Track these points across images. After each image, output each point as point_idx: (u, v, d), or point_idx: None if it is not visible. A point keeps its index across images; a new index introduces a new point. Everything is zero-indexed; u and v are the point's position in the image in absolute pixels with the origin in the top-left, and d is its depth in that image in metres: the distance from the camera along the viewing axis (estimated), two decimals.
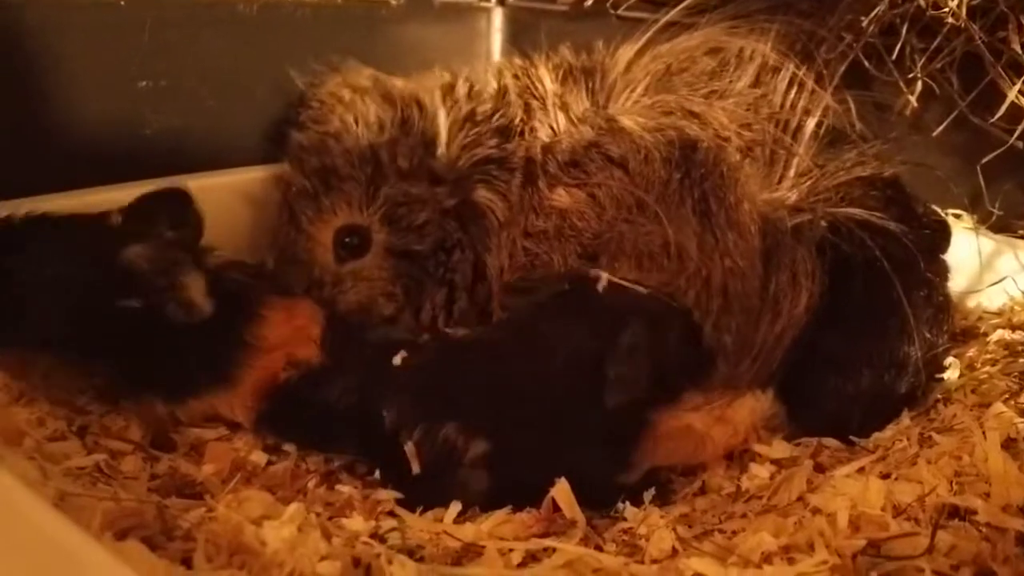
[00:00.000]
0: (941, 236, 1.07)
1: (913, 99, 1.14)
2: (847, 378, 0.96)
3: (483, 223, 0.99)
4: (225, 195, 1.09)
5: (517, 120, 1.01)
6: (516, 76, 1.06)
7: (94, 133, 1.06)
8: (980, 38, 1.01)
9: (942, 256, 1.06)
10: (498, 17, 1.53)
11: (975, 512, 0.69)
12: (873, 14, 1.06)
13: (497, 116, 1.01)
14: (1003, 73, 1.02)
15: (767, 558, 0.64)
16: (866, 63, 1.16)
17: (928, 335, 0.98)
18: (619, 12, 1.36)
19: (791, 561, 0.63)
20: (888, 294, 0.96)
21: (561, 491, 0.73)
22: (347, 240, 0.98)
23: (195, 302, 0.80)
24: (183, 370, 0.83)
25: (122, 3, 1.06)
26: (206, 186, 1.08)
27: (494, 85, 1.05)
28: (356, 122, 1.00)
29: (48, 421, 0.79)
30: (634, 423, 0.82)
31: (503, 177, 0.99)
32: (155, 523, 0.63)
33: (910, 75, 1.12)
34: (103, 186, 1.00)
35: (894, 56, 1.11)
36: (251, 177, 1.12)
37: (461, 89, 1.03)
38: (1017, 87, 1.01)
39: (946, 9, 0.99)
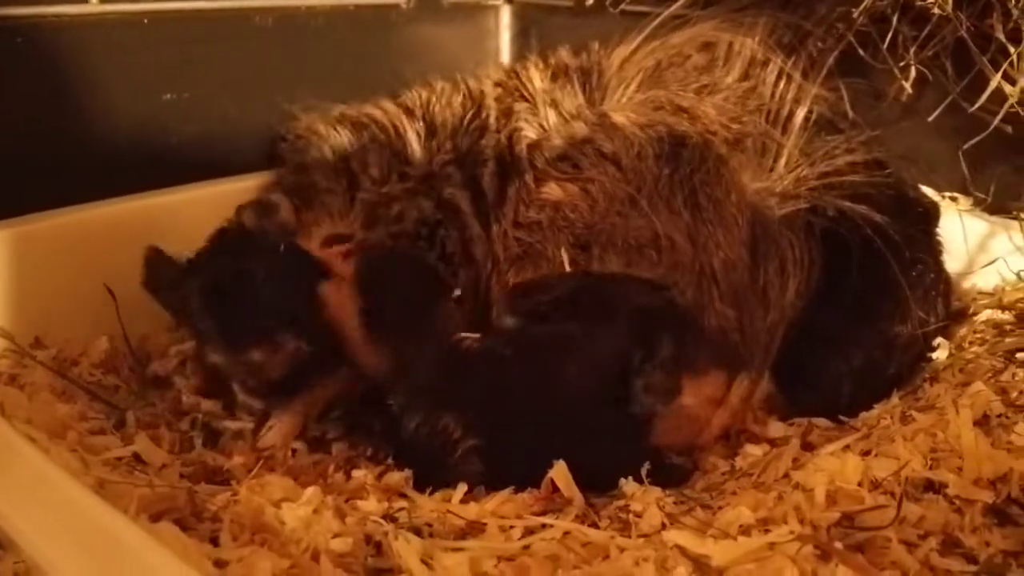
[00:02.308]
0: (931, 215, 1.10)
1: (908, 86, 1.17)
2: (839, 356, 1.00)
3: (457, 215, 1.04)
4: (248, 198, 1.16)
5: (492, 121, 1.07)
6: (498, 83, 1.11)
7: (124, 143, 1.14)
8: (966, 27, 1.03)
9: (932, 235, 1.09)
10: (506, 15, 1.58)
11: (947, 485, 0.73)
12: (863, 6, 1.09)
13: (468, 120, 1.07)
14: (986, 60, 1.04)
15: (745, 530, 0.69)
16: (861, 51, 1.19)
17: (920, 313, 1.01)
18: (620, 8, 1.40)
19: (767, 533, 0.67)
20: (877, 275, 1.00)
21: (559, 472, 0.79)
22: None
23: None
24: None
25: (146, 21, 1.13)
26: (229, 190, 1.15)
27: (467, 92, 1.10)
28: (332, 151, 1.06)
29: (89, 415, 0.87)
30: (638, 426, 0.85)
31: (467, 174, 1.04)
32: (186, 507, 0.69)
33: (902, 63, 1.14)
34: (136, 193, 1.08)
35: (886, 44, 1.14)
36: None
37: (435, 103, 1.09)
38: (999, 73, 1.04)
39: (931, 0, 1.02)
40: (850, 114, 1.08)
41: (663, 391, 0.82)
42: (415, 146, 1.06)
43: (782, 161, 1.02)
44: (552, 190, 1.01)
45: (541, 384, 0.84)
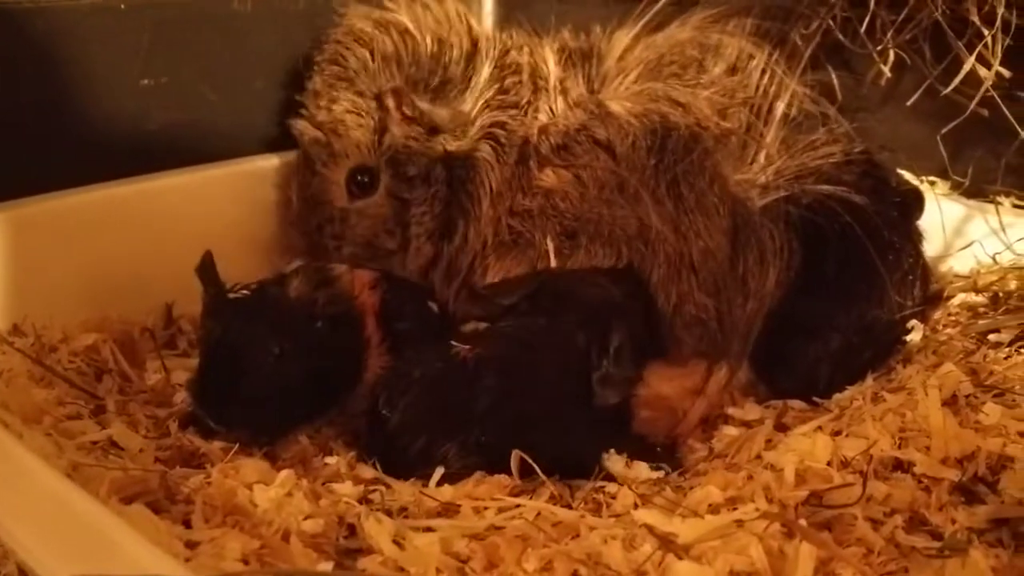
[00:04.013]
0: (913, 203, 1.11)
1: (886, 70, 1.17)
2: (817, 341, 1.01)
3: (474, 184, 1.03)
4: (228, 184, 1.16)
5: (524, 100, 1.05)
6: (530, 55, 1.09)
7: (102, 129, 1.12)
8: (942, 10, 1.04)
9: (913, 222, 1.10)
10: (489, 1, 1.57)
11: (914, 464, 0.74)
12: None
13: (514, 91, 1.05)
14: (962, 44, 1.05)
15: (714, 509, 0.70)
16: (840, 36, 1.19)
17: (896, 298, 1.02)
18: None
19: (735, 511, 0.68)
20: (855, 261, 1.00)
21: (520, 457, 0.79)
22: (359, 179, 1.03)
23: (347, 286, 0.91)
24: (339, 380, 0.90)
25: (122, 6, 1.12)
26: (209, 177, 1.15)
27: (518, 60, 1.08)
28: (373, 57, 1.03)
29: (66, 401, 0.87)
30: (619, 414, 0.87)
31: (507, 147, 1.03)
32: (159, 490, 0.70)
33: (880, 47, 1.15)
34: (113, 180, 1.08)
35: (864, 28, 1.14)
36: (252, 167, 1.18)
37: (507, 56, 1.08)
38: (973, 56, 1.04)
39: None
40: (831, 109, 1.09)
41: (619, 383, 0.83)
42: (480, 87, 1.04)
43: (763, 153, 1.03)
44: (547, 176, 1.02)
45: (528, 382, 0.84)
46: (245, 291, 0.92)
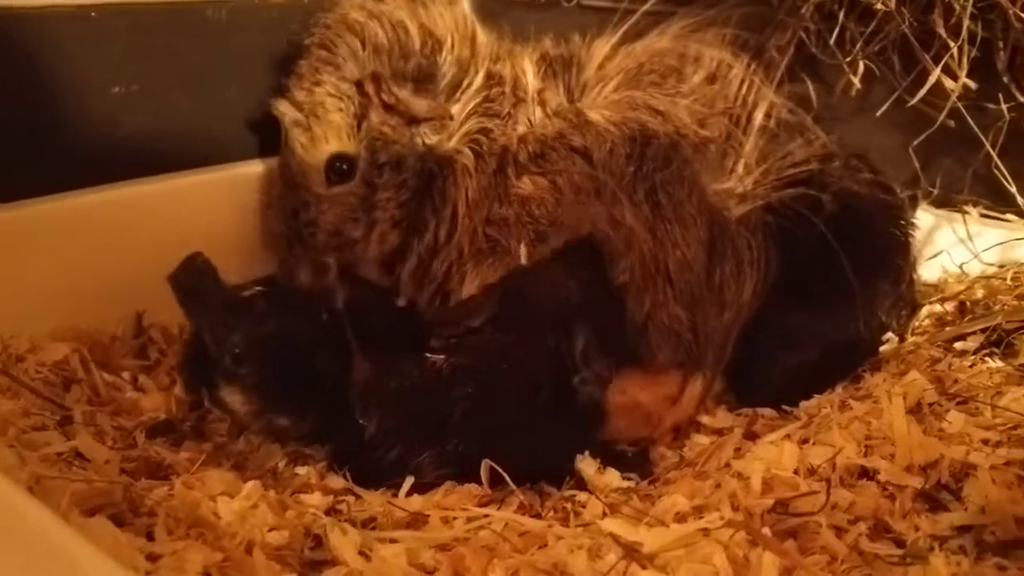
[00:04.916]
0: (893, 210, 1.10)
1: (856, 81, 1.18)
2: (794, 352, 1.01)
3: (449, 184, 1.03)
4: (199, 192, 1.15)
5: (506, 111, 1.05)
6: (511, 65, 1.08)
7: (71, 137, 1.11)
8: (908, 23, 1.05)
9: (907, 235, 1.09)
10: (465, 8, 1.58)
11: (879, 472, 0.75)
12: (810, 1, 1.10)
13: (498, 101, 1.05)
14: (929, 56, 1.06)
15: (680, 518, 0.70)
16: (812, 48, 1.20)
17: (882, 316, 1.02)
18: (582, 2, 1.40)
19: (701, 519, 0.68)
20: (831, 271, 1.00)
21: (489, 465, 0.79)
22: (338, 165, 1.03)
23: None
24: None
25: (93, 14, 1.11)
26: (181, 185, 1.15)
27: (501, 70, 1.07)
28: (363, 46, 1.03)
29: (32, 412, 0.86)
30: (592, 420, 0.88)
31: (487, 156, 1.03)
32: (123, 502, 0.69)
33: (848, 59, 1.16)
34: (84, 188, 1.07)
35: (832, 40, 1.15)
36: (224, 175, 1.17)
37: (495, 66, 1.07)
38: (939, 67, 1.05)
39: None
40: (808, 119, 1.10)
41: (595, 379, 0.83)
42: (471, 92, 1.03)
43: (742, 163, 1.04)
44: (524, 184, 1.01)
45: (497, 390, 0.84)
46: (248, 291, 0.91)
